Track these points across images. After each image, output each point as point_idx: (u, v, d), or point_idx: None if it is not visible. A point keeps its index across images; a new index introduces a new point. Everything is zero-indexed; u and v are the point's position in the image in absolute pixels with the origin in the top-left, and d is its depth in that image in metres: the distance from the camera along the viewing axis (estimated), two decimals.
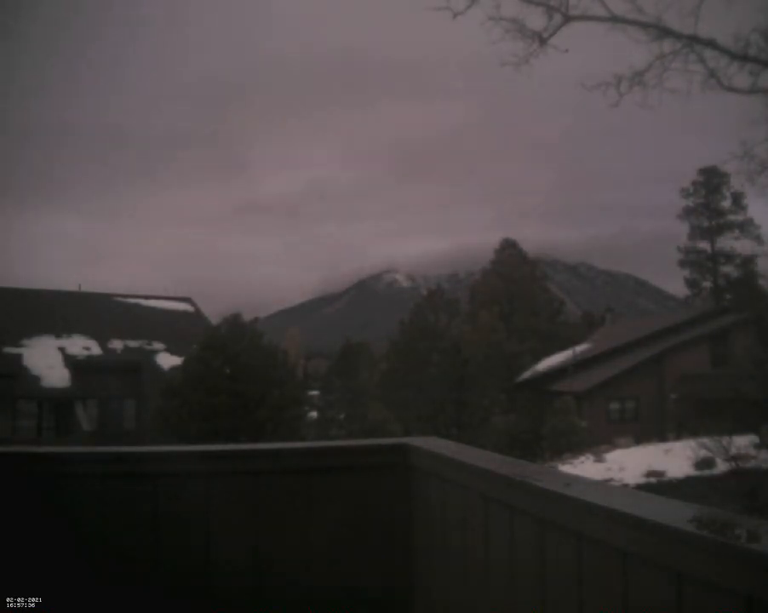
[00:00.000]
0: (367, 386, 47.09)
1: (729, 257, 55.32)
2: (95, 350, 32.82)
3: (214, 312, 38.10)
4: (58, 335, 32.35)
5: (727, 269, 55.62)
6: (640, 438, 30.61)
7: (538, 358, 45.04)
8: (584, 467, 22.52)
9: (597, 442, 29.34)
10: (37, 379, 29.32)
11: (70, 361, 30.91)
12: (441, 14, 13.02)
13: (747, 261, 53.73)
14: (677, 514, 1.46)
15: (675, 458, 20.55)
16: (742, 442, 16.60)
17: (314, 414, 43.16)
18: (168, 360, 31.28)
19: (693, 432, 21.35)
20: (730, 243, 55.08)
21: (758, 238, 53.55)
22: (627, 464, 21.93)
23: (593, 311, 65.84)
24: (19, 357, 29.34)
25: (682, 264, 56.67)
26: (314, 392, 47.96)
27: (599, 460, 24.20)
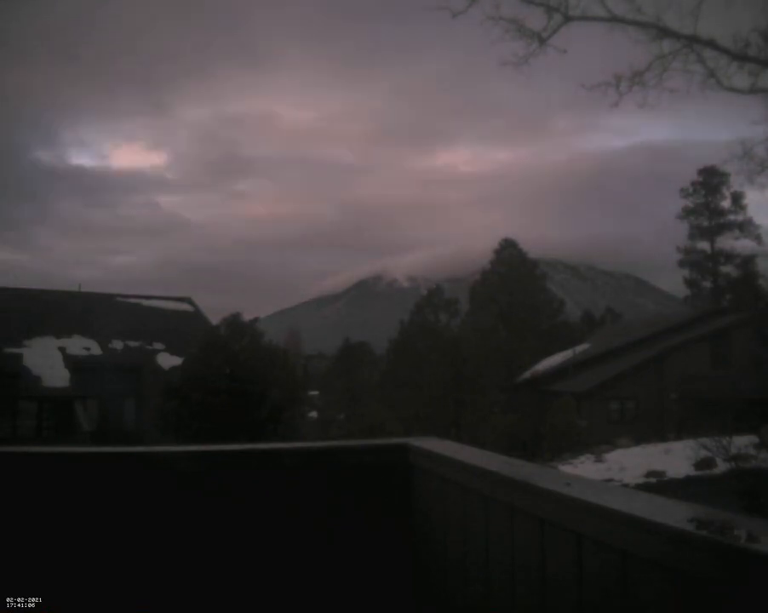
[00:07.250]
0: (367, 386, 47.11)
1: (729, 257, 55.30)
2: (95, 350, 32.81)
3: (214, 313, 38.08)
4: (58, 335, 32.35)
5: (727, 269, 55.61)
6: (640, 438, 30.59)
7: (538, 358, 45.02)
8: (584, 467, 22.47)
9: (597, 442, 29.32)
10: (37, 379, 29.29)
11: (70, 361, 30.90)
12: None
13: (747, 261, 53.70)
14: (677, 514, 1.46)
15: (675, 458, 20.52)
16: (742, 442, 16.58)
17: (314, 414, 43.16)
18: (168, 360, 31.28)
19: (693, 432, 21.30)
20: (730, 243, 55.16)
21: (758, 238, 53.67)
22: (627, 464, 21.88)
23: (593, 311, 65.78)
24: (19, 357, 29.33)
25: (682, 264, 56.66)
26: (314, 392, 47.95)
27: (599, 460, 24.16)
